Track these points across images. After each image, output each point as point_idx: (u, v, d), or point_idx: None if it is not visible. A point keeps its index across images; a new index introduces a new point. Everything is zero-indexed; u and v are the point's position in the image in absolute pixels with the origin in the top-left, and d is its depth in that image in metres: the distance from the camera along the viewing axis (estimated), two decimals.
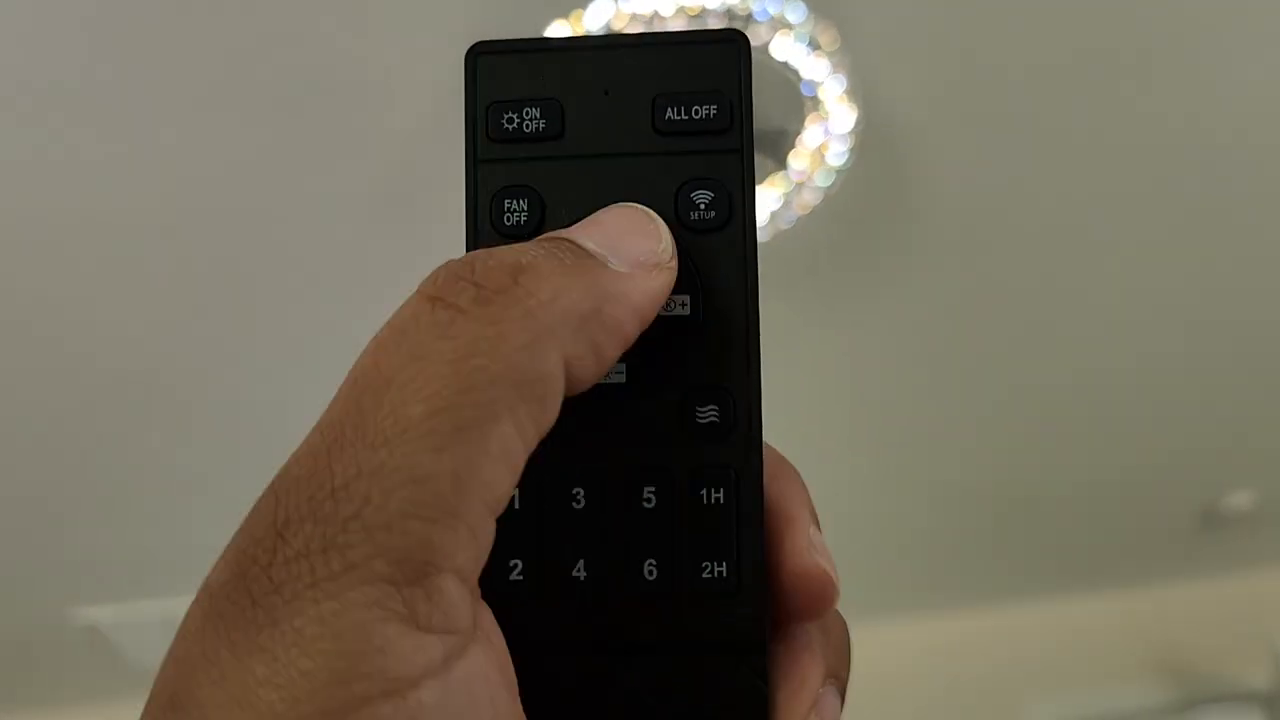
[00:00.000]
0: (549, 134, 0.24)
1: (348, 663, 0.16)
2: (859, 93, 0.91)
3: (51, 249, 0.99)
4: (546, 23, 0.82)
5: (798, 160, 0.94)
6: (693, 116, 0.24)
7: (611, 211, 0.23)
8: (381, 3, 0.82)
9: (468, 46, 0.25)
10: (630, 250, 0.22)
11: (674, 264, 0.22)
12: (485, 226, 0.23)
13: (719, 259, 0.23)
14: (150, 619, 1.58)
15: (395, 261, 1.07)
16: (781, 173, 0.95)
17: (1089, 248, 1.23)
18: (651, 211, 0.23)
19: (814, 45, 0.85)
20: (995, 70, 0.99)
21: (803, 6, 0.84)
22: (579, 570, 0.22)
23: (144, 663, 1.69)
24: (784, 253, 1.07)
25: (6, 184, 0.92)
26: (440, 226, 1.03)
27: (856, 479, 1.62)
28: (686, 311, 0.23)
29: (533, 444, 0.19)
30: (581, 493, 0.22)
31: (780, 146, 0.93)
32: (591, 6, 0.81)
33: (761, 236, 0.93)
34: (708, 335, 0.23)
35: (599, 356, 0.21)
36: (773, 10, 0.82)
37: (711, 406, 0.23)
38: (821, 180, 0.96)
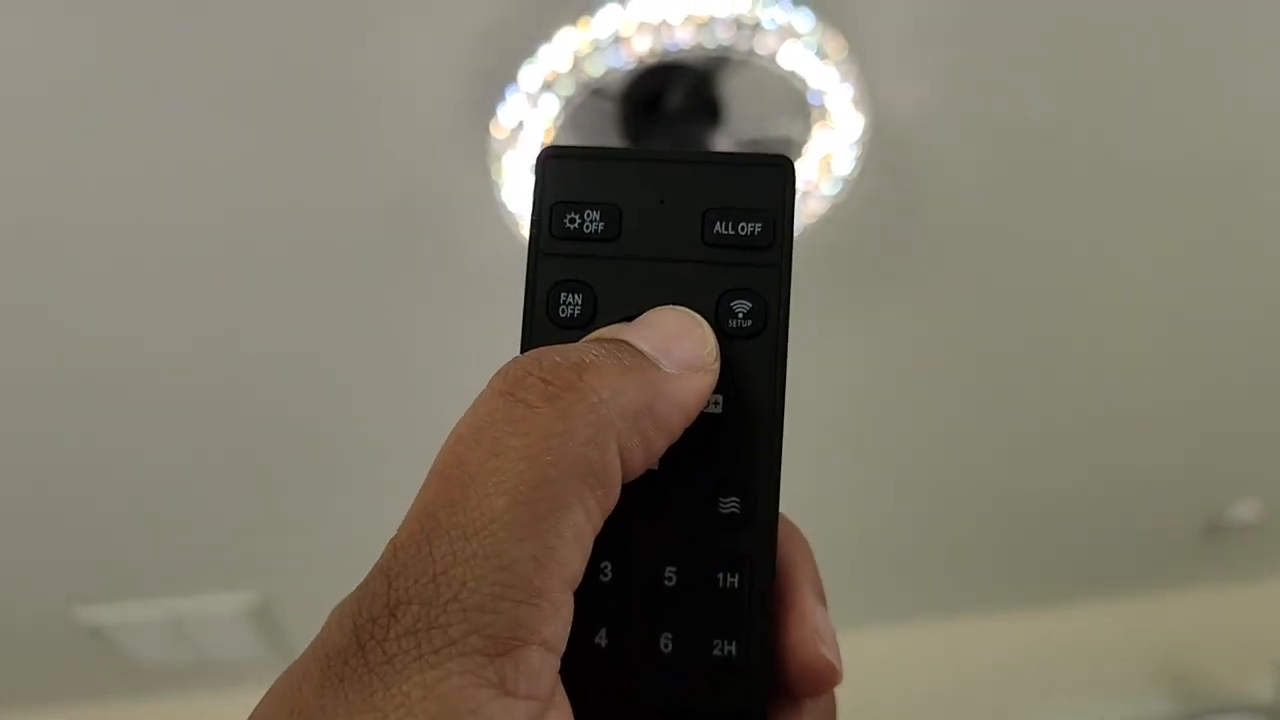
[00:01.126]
0: (607, 235, 0.26)
1: None
2: (866, 101, 0.91)
3: (52, 248, 0.99)
4: (556, 28, 0.82)
5: (805, 169, 0.94)
6: (739, 232, 0.26)
7: (663, 314, 0.25)
8: (389, 8, 0.83)
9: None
10: (680, 353, 0.24)
11: (717, 366, 0.24)
12: (540, 315, 0.25)
13: (751, 364, 0.25)
14: (153, 618, 1.59)
15: (398, 267, 1.07)
16: None
17: (1095, 257, 1.23)
18: (698, 316, 0.25)
19: (822, 54, 0.85)
20: (1004, 79, 0.99)
21: (811, 15, 0.84)
22: (601, 638, 0.24)
23: (146, 662, 1.69)
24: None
25: (8, 188, 0.92)
26: (443, 233, 1.03)
27: (860, 485, 1.62)
28: (719, 410, 0.25)
29: (599, 525, 0.22)
30: (609, 566, 0.24)
31: (787, 155, 0.93)
32: (600, 12, 0.82)
33: None
34: (736, 433, 0.25)
35: (649, 449, 0.23)
36: (780, 19, 0.83)
37: (734, 498, 0.25)
38: (828, 189, 0.96)
